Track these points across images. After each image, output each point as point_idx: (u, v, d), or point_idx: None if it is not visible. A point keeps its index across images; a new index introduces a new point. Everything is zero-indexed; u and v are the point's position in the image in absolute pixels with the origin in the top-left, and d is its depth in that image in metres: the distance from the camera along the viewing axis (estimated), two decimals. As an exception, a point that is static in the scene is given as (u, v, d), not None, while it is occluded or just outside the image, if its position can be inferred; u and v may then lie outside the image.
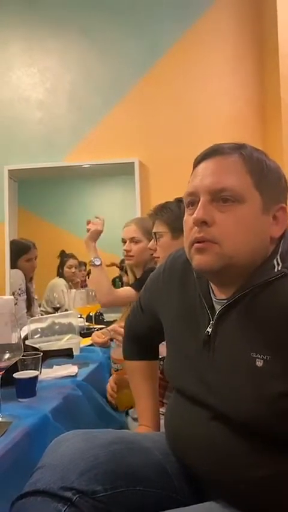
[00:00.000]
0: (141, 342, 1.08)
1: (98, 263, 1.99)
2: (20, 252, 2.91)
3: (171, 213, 1.40)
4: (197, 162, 0.77)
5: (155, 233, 1.46)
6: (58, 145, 3.10)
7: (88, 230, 2.04)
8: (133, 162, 2.90)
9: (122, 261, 3.50)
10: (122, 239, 2.04)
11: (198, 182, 0.74)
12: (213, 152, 0.75)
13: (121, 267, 3.34)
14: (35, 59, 3.18)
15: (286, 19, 2.51)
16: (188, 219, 0.75)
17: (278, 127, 2.53)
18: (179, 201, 1.36)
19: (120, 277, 3.38)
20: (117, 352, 1.41)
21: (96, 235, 2.03)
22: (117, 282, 3.24)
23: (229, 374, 0.72)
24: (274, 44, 2.56)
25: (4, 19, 3.21)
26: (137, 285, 1.92)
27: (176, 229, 1.33)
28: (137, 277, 2.02)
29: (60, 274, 3.23)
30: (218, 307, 0.77)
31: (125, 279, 3.46)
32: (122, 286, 3.19)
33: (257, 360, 0.68)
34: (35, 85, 3.18)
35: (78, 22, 3.12)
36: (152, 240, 1.50)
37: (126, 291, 2.00)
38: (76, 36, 3.13)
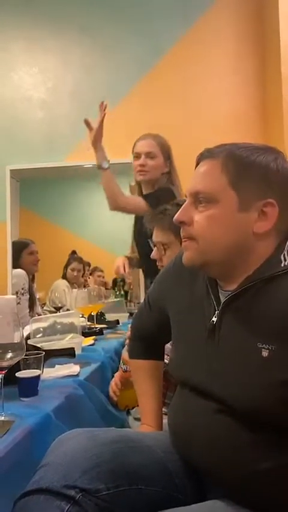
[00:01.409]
0: (147, 341, 1.09)
1: (105, 166, 1.88)
2: (21, 247, 2.94)
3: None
4: (195, 166, 0.84)
5: (161, 244, 1.38)
6: (60, 145, 3.11)
7: (90, 131, 1.90)
8: (132, 162, 2.90)
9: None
10: (136, 153, 1.96)
11: (188, 185, 0.82)
12: (202, 156, 0.81)
13: (114, 283, 3.36)
14: (36, 59, 3.19)
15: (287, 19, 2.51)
16: None
17: (280, 125, 2.53)
18: (177, 204, 1.31)
19: (122, 279, 3.39)
20: None
21: (98, 135, 1.88)
22: (118, 283, 3.24)
23: (234, 363, 0.74)
24: (276, 42, 2.56)
25: (4, 19, 3.22)
26: (149, 198, 1.87)
27: None
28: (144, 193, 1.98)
29: (63, 275, 3.25)
30: (223, 298, 0.80)
31: (127, 280, 3.47)
32: (124, 287, 3.20)
33: (263, 350, 0.69)
34: (36, 85, 3.18)
35: (78, 21, 3.13)
36: (155, 249, 1.42)
37: (136, 200, 1.95)
38: (77, 35, 3.14)
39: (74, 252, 3.39)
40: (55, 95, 3.17)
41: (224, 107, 2.94)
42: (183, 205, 0.81)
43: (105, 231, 3.86)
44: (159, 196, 1.65)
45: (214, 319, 0.79)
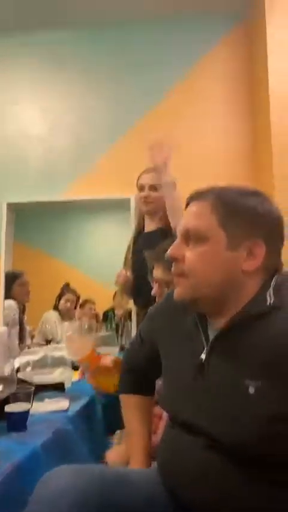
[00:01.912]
0: (138, 375, 1.10)
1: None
2: (13, 278, 2.94)
3: None
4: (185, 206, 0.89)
5: (164, 281, 1.37)
6: (57, 180, 3.18)
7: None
8: (129, 198, 2.98)
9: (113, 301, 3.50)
10: (141, 185, 2.05)
11: (179, 224, 0.86)
12: (192, 197, 0.86)
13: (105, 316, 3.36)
14: (38, 97, 3.32)
15: (276, 67, 2.66)
16: None
17: (269, 167, 2.63)
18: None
19: (112, 310, 3.39)
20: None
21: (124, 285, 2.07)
22: (110, 315, 3.23)
23: (222, 399, 0.75)
24: (265, 89, 2.71)
25: (8, 58, 3.38)
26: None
27: None
28: (154, 227, 2.04)
29: (55, 306, 3.23)
30: (212, 335, 0.82)
31: (117, 312, 3.46)
32: (114, 319, 3.19)
33: (250, 386, 0.71)
34: (37, 122, 3.30)
35: (80, 63, 3.29)
36: (156, 286, 1.42)
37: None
38: (78, 76, 3.29)
39: (67, 284, 3.39)
40: (55, 133, 3.28)
41: (217, 148, 3.06)
42: (175, 242, 0.84)
43: (98, 263, 3.89)
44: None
45: (203, 356, 0.80)
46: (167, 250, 1.36)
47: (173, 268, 0.83)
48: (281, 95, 2.62)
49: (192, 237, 0.81)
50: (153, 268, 1.43)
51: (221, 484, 0.72)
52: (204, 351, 0.81)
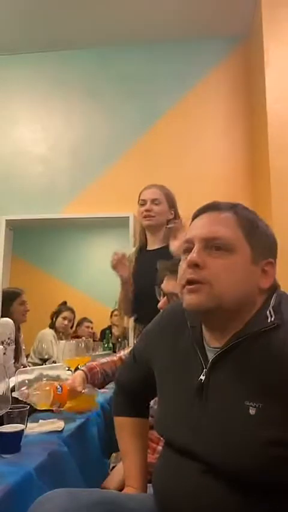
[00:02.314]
0: (132, 397, 1.07)
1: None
2: (13, 296, 2.91)
3: None
4: (195, 216, 0.86)
5: (176, 296, 1.32)
6: (57, 198, 3.21)
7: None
8: (128, 217, 2.99)
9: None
10: (143, 200, 2.05)
11: (195, 231, 0.82)
12: (210, 207, 0.84)
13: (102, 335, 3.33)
14: (40, 117, 3.38)
15: (274, 89, 2.72)
16: (183, 264, 0.82)
17: (267, 187, 2.65)
18: None
19: (110, 329, 3.36)
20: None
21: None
22: (107, 334, 3.20)
23: (221, 421, 0.73)
24: (263, 111, 2.76)
25: (11, 78, 3.44)
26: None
27: None
28: (159, 245, 2.03)
29: (51, 324, 3.20)
30: (211, 355, 0.80)
31: (114, 330, 3.43)
32: (111, 337, 3.16)
33: (250, 407, 0.69)
34: (38, 141, 3.35)
35: (82, 84, 3.37)
36: (164, 299, 1.39)
37: None
38: (79, 96, 3.36)
39: (65, 302, 3.36)
40: (55, 151, 3.32)
41: (215, 168, 3.10)
42: (196, 248, 0.80)
43: (96, 281, 3.87)
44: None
45: (202, 377, 0.78)
46: (178, 265, 1.36)
47: (191, 275, 0.78)
48: (279, 114, 2.68)
49: (220, 246, 0.78)
50: (163, 280, 1.40)
51: (220, 511, 0.70)
52: (203, 372, 0.79)
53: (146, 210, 2.02)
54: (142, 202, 2.06)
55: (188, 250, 0.82)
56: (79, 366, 2.17)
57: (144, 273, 1.85)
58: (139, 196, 2.11)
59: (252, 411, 0.69)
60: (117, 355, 1.65)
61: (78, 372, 1.52)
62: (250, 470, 0.68)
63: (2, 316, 2.92)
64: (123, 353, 1.64)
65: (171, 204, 2.06)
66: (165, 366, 0.90)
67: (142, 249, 2.13)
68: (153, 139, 3.20)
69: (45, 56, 3.42)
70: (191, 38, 3.23)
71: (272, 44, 2.76)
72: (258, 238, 0.80)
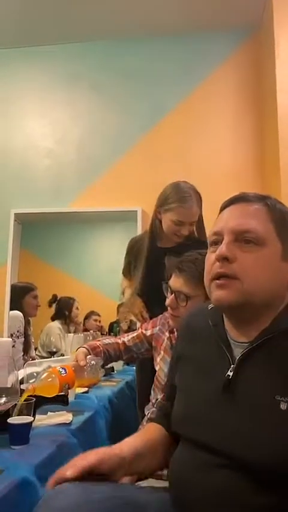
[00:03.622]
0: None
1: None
2: (26, 289, 2.94)
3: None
4: (224, 207, 0.83)
5: (184, 294, 1.29)
6: (64, 192, 3.21)
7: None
8: (136, 211, 2.99)
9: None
10: (179, 221, 1.81)
11: (224, 223, 0.79)
12: (240, 199, 0.81)
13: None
14: (47, 111, 3.37)
15: (284, 83, 2.68)
16: (210, 256, 0.80)
17: (277, 183, 2.63)
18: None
19: (117, 323, 3.37)
20: None
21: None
22: (114, 327, 3.22)
23: (251, 417, 0.71)
24: (273, 105, 2.72)
25: (19, 73, 3.44)
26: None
27: None
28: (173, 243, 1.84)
29: (65, 316, 3.19)
30: (238, 350, 0.78)
31: (122, 324, 3.44)
32: (119, 331, 3.17)
33: (281, 402, 0.68)
34: (45, 135, 3.34)
35: (88, 79, 3.35)
36: (172, 297, 1.33)
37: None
38: (86, 92, 3.34)
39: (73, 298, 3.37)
40: (62, 145, 3.31)
41: (223, 163, 3.07)
42: (225, 241, 0.76)
43: (103, 276, 3.87)
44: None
45: (230, 373, 0.76)
46: (194, 262, 1.29)
47: (221, 269, 0.75)
48: (289, 109, 2.63)
49: (250, 239, 0.75)
50: (171, 276, 1.35)
51: (242, 509, 0.68)
52: (231, 369, 0.77)
53: (183, 233, 1.80)
54: (178, 223, 1.80)
55: (215, 243, 0.79)
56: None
57: (157, 271, 1.75)
58: (173, 208, 1.80)
59: (283, 406, 0.68)
60: (122, 339, 1.63)
61: (80, 348, 1.50)
62: (281, 465, 0.66)
63: (13, 309, 2.95)
64: (127, 338, 1.62)
65: (200, 206, 1.86)
66: (187, 369, 0.88)
67: (154, 246, 1.96)
68: (161, 133, 3.18)
69: (53, 49, 3.40)
70: (199, 31, 3.19)
71: (283, 36, 2.72)
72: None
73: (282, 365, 0.72)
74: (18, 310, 2.88)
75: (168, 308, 1.37)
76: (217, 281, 0.76)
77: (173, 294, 1.33)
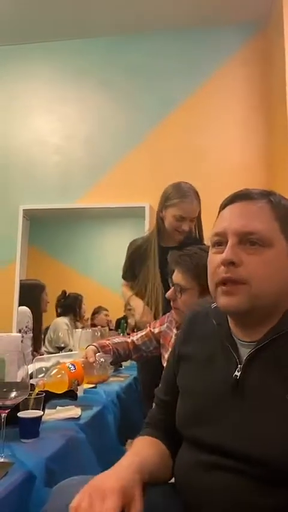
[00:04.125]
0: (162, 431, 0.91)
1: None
2: (41, 287, 3.01)
3: (203, 269, 1.22)
4: (225, 204, 0.80)
5: (180, 286, 1.37)
6: (72, 188, 3.22)
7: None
8: (144, 207, 2.99)
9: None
10: (180, 217, 1.87)
11: (227, 224, 0.76)
12: (243, 196, 0.78)
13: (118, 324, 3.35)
14: (55, 108, 3.38)
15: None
16: (214, 258, 0.77)
17: (286, 178, 2.60)
18: (204, 250, 1.28)
19: (125, 319, 3.37)
20: None
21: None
22: (122, 324, 3.22)
23: (261, 417, 0.70)
24: (282, 100, 2.69)
25: (28, 70, 3.45)
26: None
27: (206, 288, 1.07)
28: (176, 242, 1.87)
29: (75, 312, 3.22)
30: (245, 350, 0.77)
31: (130, 321, 3.45)
32: (126, 328, 3.18)
33: None
34: (53, 131, 3.35)
35: (96, 75, 3.34)
36: (172, 289, 1.41)
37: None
38: (94, 87, 3.34)
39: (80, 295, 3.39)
40: (70, 142, 3.32)
41: (232, 158, 3.05)
42: (230, 244, 0.74)
43: (111, 272, 3.87)
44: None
45: (237, 373, 0.75)
46: (190, 256, 1.34)
47: (227, 273, 0.73)
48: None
49: (256, 241, 0.72)
50: (173, 271, 1.41)
51: (251, 509, 0.67)
52: (239, 368, 0.75)
53: (184, 229, 1.85)
54: (179, 219, 1.86)
55: (218, 243, 0.77)
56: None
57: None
58: (174, 204, 1.87)
59: None
60: (131, 338, 1.65)
61: (90, 346, 1.53)
62: None
63: (27, 305, 2.98)
64: (136, 337, 1.65)
65: (199, 203, 1.91)
66: (190, 370, 0.86)
67: (159, 243, 1.98)
68: (169, 129, 3.17)
69: (61, 45, 3.40)
70: (207, 26, 3.16)
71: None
72: None
73: None
74: (33, 306, 2.92)
75: (171, 302, 1.43)
76: (223, 287, 0.74)
77: (173, 287, 1.41)
